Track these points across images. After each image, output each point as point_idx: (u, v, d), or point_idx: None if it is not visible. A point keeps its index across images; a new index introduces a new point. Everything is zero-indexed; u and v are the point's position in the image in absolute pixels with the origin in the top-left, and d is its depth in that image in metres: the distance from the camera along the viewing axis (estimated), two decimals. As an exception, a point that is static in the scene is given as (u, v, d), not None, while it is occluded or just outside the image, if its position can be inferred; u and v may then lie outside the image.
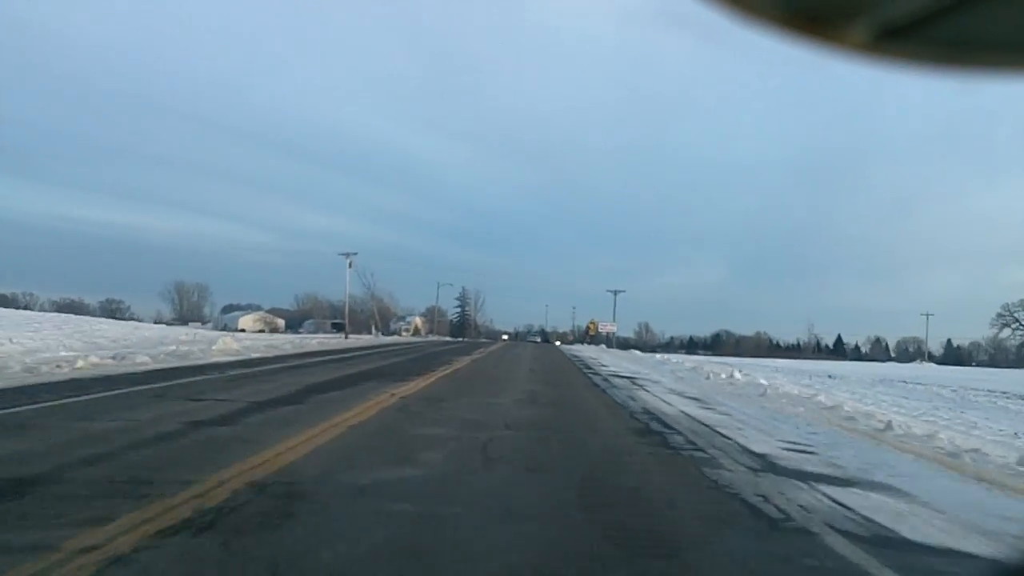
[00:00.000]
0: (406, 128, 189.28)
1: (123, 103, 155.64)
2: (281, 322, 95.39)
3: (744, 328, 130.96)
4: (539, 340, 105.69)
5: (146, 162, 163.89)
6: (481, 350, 36.54)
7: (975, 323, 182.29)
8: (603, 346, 77.85)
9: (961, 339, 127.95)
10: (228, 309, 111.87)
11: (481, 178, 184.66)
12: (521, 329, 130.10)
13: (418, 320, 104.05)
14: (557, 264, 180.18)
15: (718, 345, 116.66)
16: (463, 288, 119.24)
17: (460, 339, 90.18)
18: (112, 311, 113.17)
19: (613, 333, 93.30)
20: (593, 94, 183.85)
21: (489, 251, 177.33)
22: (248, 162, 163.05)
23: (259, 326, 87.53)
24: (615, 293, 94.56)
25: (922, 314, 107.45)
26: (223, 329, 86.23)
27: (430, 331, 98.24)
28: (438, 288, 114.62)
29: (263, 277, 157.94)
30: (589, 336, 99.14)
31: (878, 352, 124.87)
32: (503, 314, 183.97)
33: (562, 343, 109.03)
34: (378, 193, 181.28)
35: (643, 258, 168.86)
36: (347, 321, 61.21)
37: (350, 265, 59.58)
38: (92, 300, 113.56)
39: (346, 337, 49.03)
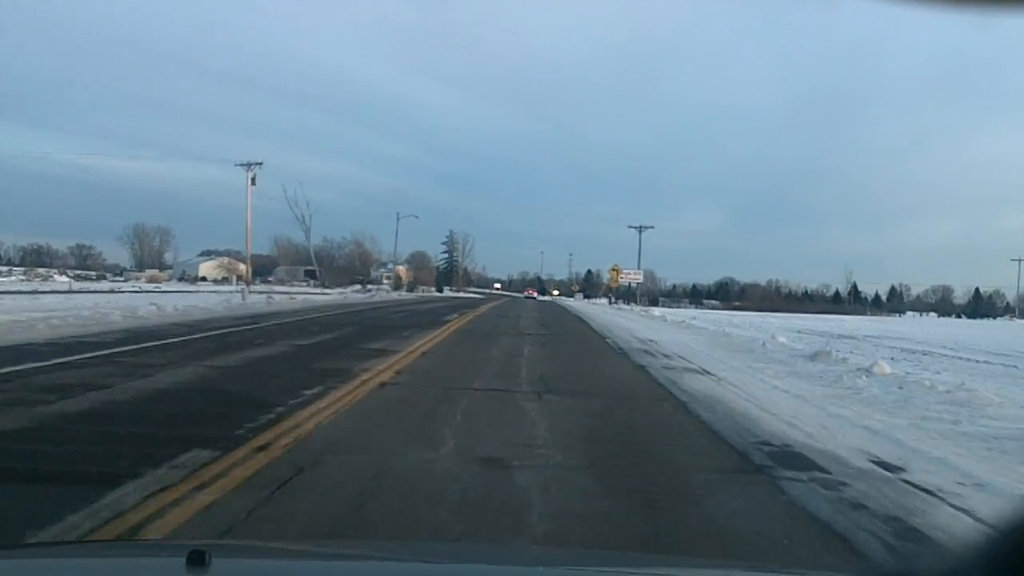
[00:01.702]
0: (399, 71, 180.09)
1: (111, 45, 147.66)
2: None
3: (748, 275, 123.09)
4: (537, 295, 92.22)
5: (130, 105, 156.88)
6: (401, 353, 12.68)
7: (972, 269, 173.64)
8: (653, 311, 46.70)
9: (984, 287, 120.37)
10: (206, 254, 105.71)
11: (475, 123, 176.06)
12: (515, 277, 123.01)
13: (401, 268, 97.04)
14: (554, 210, 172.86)
15: (724, 294, 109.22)
16: (451, 232, 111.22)
17: (435, 292, 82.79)
18: (83, 257, 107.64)
19: (638, 284, 73.26)
20: (591, 36, 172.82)
21: (482, 196, 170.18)
22: (235, 105, 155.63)
23: (222, 273, 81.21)
24: (640, 230, 67.64)
25: (1013, 259, 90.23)
26: (180, 278, 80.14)
27: (412, 279, 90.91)
28: (397, 219, 71.30)
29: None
30: (609, 288, 77.11)
31: (897, 302, 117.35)
32: (496, 260, 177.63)
33: (560, 293, 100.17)
34: (369, 137, 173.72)
35: (645, 204, 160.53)
36: (250, 266, 44.32)
37: (252, 181, 41.34)
38: (61, 246, 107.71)
39: (244, 299, 27.35)
